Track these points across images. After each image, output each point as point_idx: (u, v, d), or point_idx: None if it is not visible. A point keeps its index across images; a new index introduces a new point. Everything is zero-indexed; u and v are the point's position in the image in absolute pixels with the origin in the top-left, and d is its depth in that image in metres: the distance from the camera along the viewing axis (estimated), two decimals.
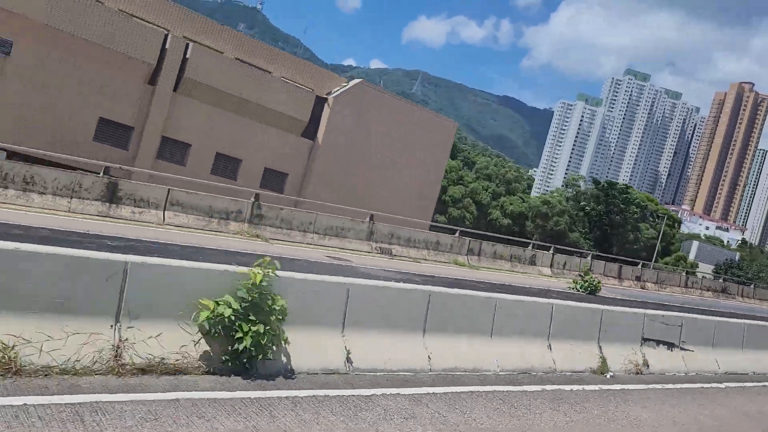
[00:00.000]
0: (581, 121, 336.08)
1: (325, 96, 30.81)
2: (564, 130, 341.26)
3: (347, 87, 31.24)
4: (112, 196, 18.05)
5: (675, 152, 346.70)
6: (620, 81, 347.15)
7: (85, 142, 25.40)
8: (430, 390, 6.96)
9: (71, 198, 17.52)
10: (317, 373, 6.67)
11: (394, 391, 6.66)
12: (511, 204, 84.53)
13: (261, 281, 6.30)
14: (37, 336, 5.37)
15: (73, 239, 11.90)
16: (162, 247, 13.41)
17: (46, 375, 5.20)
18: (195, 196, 18.59)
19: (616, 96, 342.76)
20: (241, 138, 28.91)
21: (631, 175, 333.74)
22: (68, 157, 20.21)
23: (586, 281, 21.13)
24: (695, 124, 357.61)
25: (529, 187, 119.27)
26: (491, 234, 29.84)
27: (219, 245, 16.11)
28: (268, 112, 29.36)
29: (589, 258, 31.05)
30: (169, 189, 17.74)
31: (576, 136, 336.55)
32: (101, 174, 17.64)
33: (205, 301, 6.15)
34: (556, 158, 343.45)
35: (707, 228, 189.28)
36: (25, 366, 5.18)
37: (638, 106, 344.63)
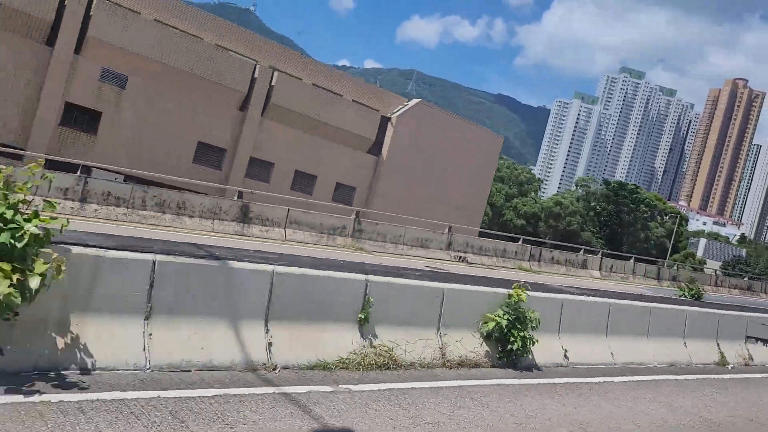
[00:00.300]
0: (578, 119, 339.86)
1: (388, 116, 33.84)
2: (561, 128, 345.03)
3: (408, 106, 34.30)
4: (244, 216, 21.01)
5: (670, 149, 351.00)
6: (615, 79, 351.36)
7: (186, 164, 28.28)
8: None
9: (213, 220, 20.48)
10: (549, 366, 9.66)
11: (608, 379, 9.62)
12: (524, 205, 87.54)
13: (520, 299, 9.29)
14: (401, 341, 8.32)
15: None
16: (322, 263, 16.30)
17: (411, 367, 8.09)
18: (309, 215, 21.53)
19: (611, 94, 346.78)
20: (317, 156, 31.87)
21: (627, 172, 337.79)
22: (175, 179, 23.07)
23: (692, 288, 23.80)
24: (690, 121, 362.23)
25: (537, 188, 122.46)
26: (541, 240, 32.85)
27: (340, 257, 18.95)
28: (340, 132, 32.33)
29: (664, 265, 34.12)
30: (288, 209, 20.64)
31: (573, 134, 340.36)
32: (236, 198, 20.59)
33: (488, 314, 9.16)
34: (553, 156, 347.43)
35: (704, 223, 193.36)
36: (399, 362, 8.00)
37: (634, 103, 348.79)
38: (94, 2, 24.93)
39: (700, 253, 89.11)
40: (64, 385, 4.94)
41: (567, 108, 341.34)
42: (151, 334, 5.83)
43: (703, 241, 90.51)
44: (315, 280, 7.32)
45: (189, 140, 28.36)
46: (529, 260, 29.51)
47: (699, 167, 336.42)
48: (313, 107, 30.96)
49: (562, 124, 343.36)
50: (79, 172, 17.09)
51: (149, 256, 5.93)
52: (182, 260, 6.26)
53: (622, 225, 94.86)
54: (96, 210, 18.43)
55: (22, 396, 4.60)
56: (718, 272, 46.09)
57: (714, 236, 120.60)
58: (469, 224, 36.02)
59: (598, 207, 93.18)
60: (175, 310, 6.01)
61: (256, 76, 29.25)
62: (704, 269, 78.63)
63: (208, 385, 5.61)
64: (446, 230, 26.05)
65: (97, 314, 5.57)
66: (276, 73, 29.77)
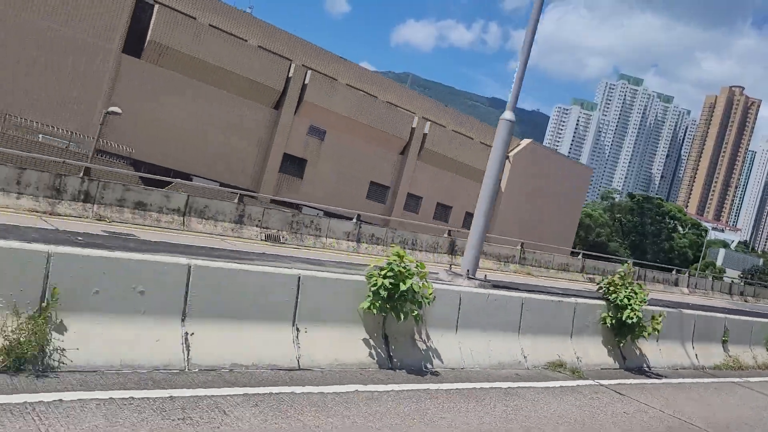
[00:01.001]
0: (577, 125, 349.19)
1: (507, 154, 41.06)
2: (560, 134, 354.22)
3: (522, 146, 41.56)
4: (452, 249, 28.04)
5: (668, 155, 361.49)
6: (614, 85, 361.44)
7: (360, 199, 35.23)
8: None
9: (433, 252, 27.42)
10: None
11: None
12: None
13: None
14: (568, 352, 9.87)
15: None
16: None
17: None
18: (490, 246, 28.54)
19: (610, 100, 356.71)
20: (454, 190, 38.99)
21: (625, 178, 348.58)
22: (351, 211, 29.95)
23: None
24: (686, 127, 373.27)
25: None
26: (637, 261, 40.22)
27: (528, 281, 26.06)
28: (471, 169, 39.51)
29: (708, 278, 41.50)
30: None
31: (572, 141, 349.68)
32: (446, 234, 27.64)
33: None
34: None
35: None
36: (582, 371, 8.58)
37: (632, 110, 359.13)
38: (308, 74, 31.83)
39: (719, 263, 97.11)
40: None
41: (567, 114, 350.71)
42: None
43: (722, 251, 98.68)
44: None
45: (364, 180, 35.35)
46: (637, 281, 36.81)
47: (696, 173, 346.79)
48: (454, 150, 38.08)
49: (561, 129, 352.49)
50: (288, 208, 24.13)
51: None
52: None
53: (646, 235, 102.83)
54: (366, 247, 25.49)
55: None
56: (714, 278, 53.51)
57: (722, 244, 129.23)
58: (564, 245, 43.25)
59: (623, 219, 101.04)
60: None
61: (414, 126, 36.32)
62: (723, 278, 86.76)
63: None
64: (580, 255, 33.29)
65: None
66: (429, 123, 36.87)
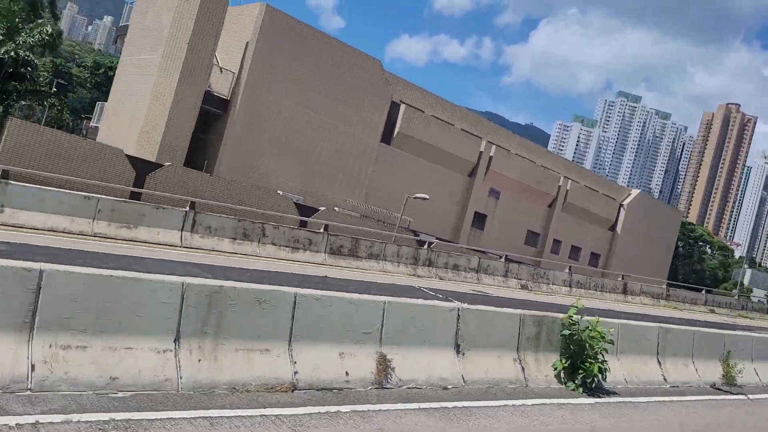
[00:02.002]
0: (578, 142, 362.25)
1: (622, 202, 51.05)
2: (562, 150, 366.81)
3: (633, 196, 51.57)
4: (625, 290, 37.51)
5: (666, 170, 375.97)
6: (613, 102, 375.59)
7: (520, 244, 44.76)
8: None
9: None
10: None
11: None
12: None
13: None
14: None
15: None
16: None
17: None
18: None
19: (609, 117, 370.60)
20: (583, 234, 48.73)
21: None
22: (508, 253, 39.41)
23: None
24: (684, 143, 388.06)
25: None
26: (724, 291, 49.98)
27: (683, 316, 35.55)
28: (599, 217, 49.32)
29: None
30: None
31: (573, 157, 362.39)
32: (621, 279, 37.21)
33: None
34: None
35: None
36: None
37: (630, 126, 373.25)
38: (493, 149, 41.46)
39: (746, 282, 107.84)
40: None
41: (567, 131, 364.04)
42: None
43: (749, 271, 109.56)
44: None
45: (523, 229, 44.95)
46: (716, 306, 46.47)
47: (695, 188, 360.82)
48: (587, 202, 47.88)
49: (563, 146, 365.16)
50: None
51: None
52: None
53: (677, 256, 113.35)
54: (556, 287, 35.11)
55: None
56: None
57: (744, 263, 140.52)
58: (661, 277, 53.16)
59: None
60: None
61: (560, 183, 46.05)
62: (751, 297, 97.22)
63: None
64: (703, 291, 43.01)
65: None
66: (569, 181, 46.67)
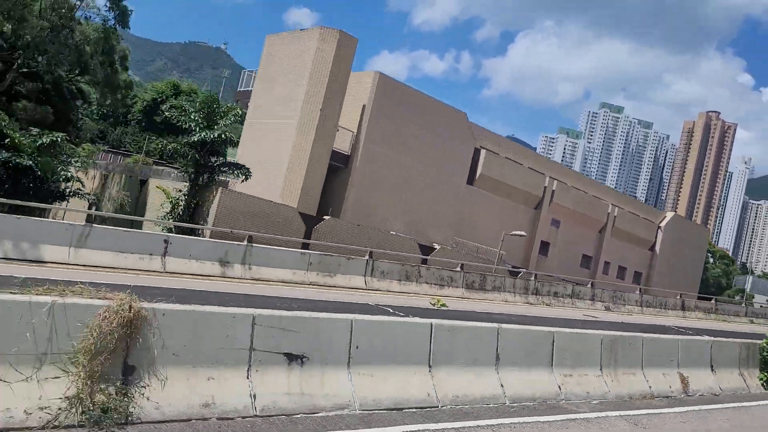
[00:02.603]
0: (564, 153, 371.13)
1: (659, 224, 56.78)
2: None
3: (668, 218, 57.35)
4: (683, 306, 43.04)
5: (650, 178, 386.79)
6: (596, 114, 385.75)
7: (576, 267, 50.12)
8: None
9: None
10: None
11: None
12: None
13: None
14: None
15: None
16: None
17: None
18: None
19: (593, 128, 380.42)
20: (629, 255, 54.29)
21: None
22: (566, 276, 44.70)
23: None
24: (666, 151, 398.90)
25: None
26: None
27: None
28: (642, 239, 54.96)
29: None
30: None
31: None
32: (680, 297, 42.63)
33: None
34: None
35: None
36: None
37: (614, 137, 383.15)
38: (555, 183, 46.92)
39: (748, 289, 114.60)
40: None
41: (553, 143, 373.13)
42: None
43: (750, 278, 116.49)
44: None
45: (578, 253, 50.37)
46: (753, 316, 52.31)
47: (679, 196, 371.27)
48: (631, 225, 53.51)
49: (550, 158, 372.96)
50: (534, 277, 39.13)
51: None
52: None
53: None
54: (631, 308, 40.41)
55: None
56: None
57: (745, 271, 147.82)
58: (692, 290, 58.93)
59: None
60: None
61: (608, 211, 51.64)
62: (753, 303, 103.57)
63: None
64: (712, 300, 48.67)
65: None
66: (617, 208, 52.26)
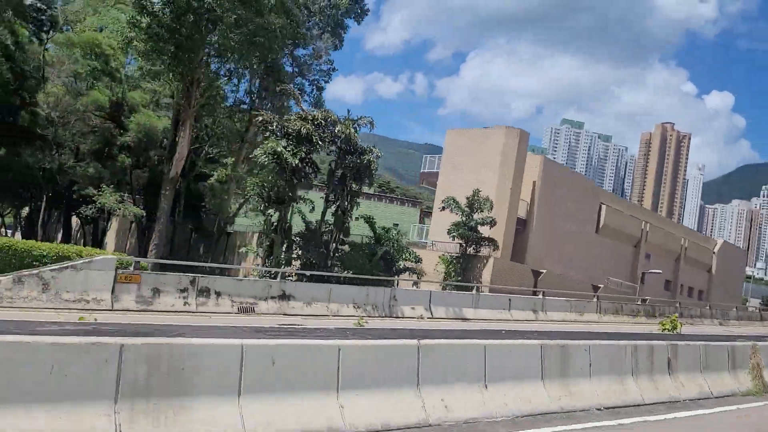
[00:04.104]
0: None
1: (714, 250, 70.35)
2: None
3: (719, 244, 71.03)
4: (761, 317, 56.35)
5: (613, 190, 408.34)
6: (559, 130, 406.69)
7: (662, 291, 62.75)
8: None
9: (739, 320, 55.57)
10: None
11: None
12: None
13: None
14: None
15: None
16: None
17: None
18: (744, 311, 56.73)
19: (557, 144, 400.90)
20: (692, 276, 67.47)
21: None
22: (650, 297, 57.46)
23: None
24: (626, 162, 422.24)
25: None
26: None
27: None
28: (696, 261, 68.30)
29: None
30: (736, 306, 56.11)
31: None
32: (758, 309, 55.90)
33: None
34: None
35: None
36: None
37: (577, 151, 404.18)
38: (648, 225, 59.71)
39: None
40: None
41: None
42: None
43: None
44: None
45: (662, 279, 63.15)
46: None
47: (642, 204, 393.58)
48: (695, 252, 66.77)
49: None
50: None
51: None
52: None
53: None
54: (734, 322, 53.34)
55: None
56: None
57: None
58: (737, 303, 72.48)
59: None
60: None
61: (682, 243, 64.72)
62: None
63: None
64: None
65: None
66: (687, 240, 65.42)
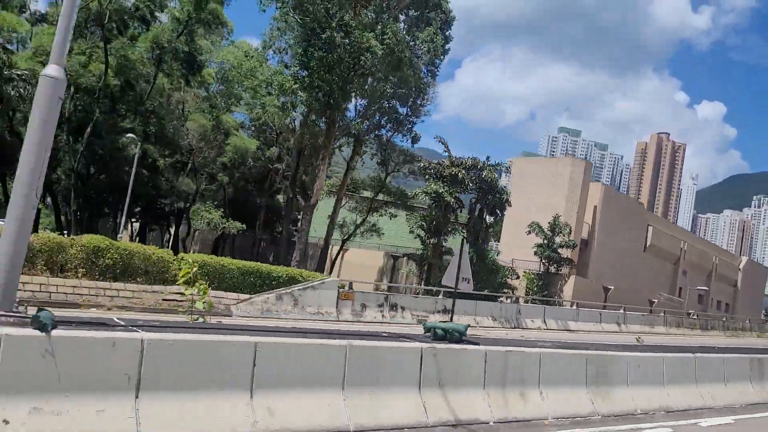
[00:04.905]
0: None
1: (738, 267, 76.45)
2: None
3: (744, 262, 77.19)
4: None
5: None
6: (556, 138, 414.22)
7: (695, 305, 68.59)
8: None
9: None
10: None
11: None
12: None
13: None
14: None
15: None
16: None
17: None
18: None
19: (554, 152, 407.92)
20: (718, 290, 73.52)
21: None
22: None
23: None
24: (621, 171, 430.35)
25: None
26: None
27: None
28: (724, 277, 74.37)
29: None
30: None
31: None
32: None
33: None
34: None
35: None
36: None
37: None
38: (686, 245, 65.60)
39: None
40: None
41: None
42: None
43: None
44: None
45: (696, 294, 69.09)
46: None
47: None
48: (724, 269, 72.82)
49: None
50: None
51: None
52: None
53: None
54: None
55: None
56: None
57: None
58: (758, 315, 78.73)
59: None
60: None
61: (713, 260, 70.66)
62: None
63: None
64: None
65: None
66: (717, 257, 71.40)
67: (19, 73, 29.78)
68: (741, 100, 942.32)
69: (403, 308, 27.54)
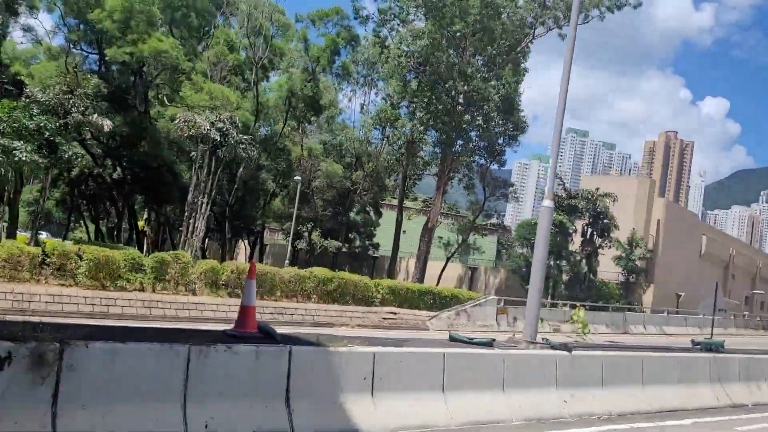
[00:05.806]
0: (538, 177, 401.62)
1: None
2: (523, 187, 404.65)
3: None
4: None
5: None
6: (564, 138, 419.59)
7: (742, 305, 73.63)
8: None
9: None
10: None
11: None
12: None
13: None
14: None
15: None
16: None
17: None
18: None
19: (563, 152, 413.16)
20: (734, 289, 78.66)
21: None
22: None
23: None
24: (629, 169, 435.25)
25: None
26: None
27: None
28: (765, 279, 79.46)
29: None
30: None
31: (535, 193, 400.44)
32: None
33: None
34: (519, 214, 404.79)
35: None
36: None
37: (582, 159, 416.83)
38: (734, 250, 70.68)
39: None
40: None
41: (527, 168, 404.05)
42: None
43: None
44: None
45: (742, 296, 74.10)
46: None
47: None
48: (766, 271, 77.92)
49: (524, 183, 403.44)
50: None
51: None
52: None
53: None
54: None
55: None
56: None
57: None
58: None
59: None
60: None
61: (758, 264, 75.79)
62: None
63: None
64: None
65: None
66: (761, 260, 76.53)
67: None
68: (745, 95, 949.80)
69: (542, 320, 32.71)
